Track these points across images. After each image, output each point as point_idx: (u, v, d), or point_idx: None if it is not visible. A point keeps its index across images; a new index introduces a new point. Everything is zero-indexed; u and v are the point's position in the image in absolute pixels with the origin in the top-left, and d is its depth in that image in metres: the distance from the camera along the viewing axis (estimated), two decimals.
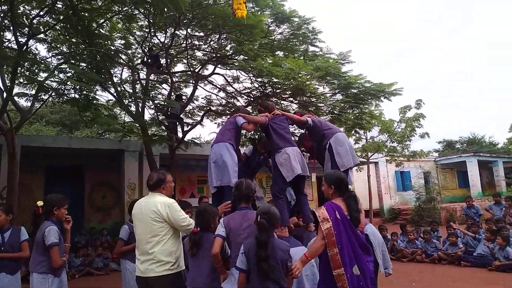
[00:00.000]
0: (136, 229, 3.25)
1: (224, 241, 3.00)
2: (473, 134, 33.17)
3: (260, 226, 2.72)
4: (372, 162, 16.41)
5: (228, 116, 10.51)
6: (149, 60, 9.02)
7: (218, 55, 9.10)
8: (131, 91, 9.79)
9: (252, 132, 8.72)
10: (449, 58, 75.52)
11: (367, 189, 14.10)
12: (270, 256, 2.64)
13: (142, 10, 7.77)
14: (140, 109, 9.17)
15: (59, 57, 8.41)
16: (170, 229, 3.14)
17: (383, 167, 19.10)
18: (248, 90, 10.00)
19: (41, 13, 7.19)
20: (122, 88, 9.58)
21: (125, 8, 7.69)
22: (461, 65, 71.86)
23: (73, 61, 7.96)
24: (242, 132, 5.29)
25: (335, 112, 9.14)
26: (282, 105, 9.87)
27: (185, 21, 7.98)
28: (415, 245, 8.88)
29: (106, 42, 8.52)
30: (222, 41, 8.93)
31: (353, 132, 10.89)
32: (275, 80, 7.91)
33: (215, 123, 11.69)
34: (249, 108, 10.51)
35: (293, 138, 4.76)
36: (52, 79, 7.11)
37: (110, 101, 9.77)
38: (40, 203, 3.57)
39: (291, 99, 9.29)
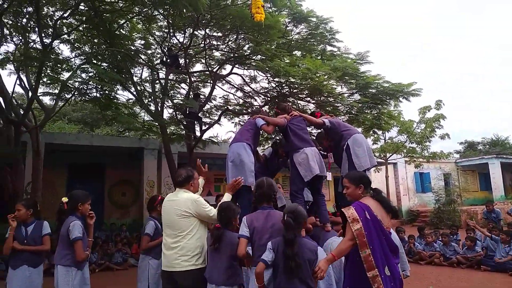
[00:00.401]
0: (164, 225, 3.37)
1: (249, 241, 3.03)
2: (497, 136, 32.27)
3: (287, 225, 2.75)
4: (391, 163, 16.21)
5: (247, 116, 10.65)
6: (168, 60, 9.17)
7: (236, 55, 9.17)
8: (150, 90, 9.97)
9: (274, 134, 8.78)
10: (460, 59, 73.79)
11: (385, 190, 13.94)
12: (297, 255, 2.67)
13: (162, 11, 7.91)
14: (159, 108, 9.34)
15: (82, 57, 8.65)
16: (196, 225, 3.24)
17: (402, 168, 18.82)
18: (265, 90, 10.03)
19: (65, 14, 7.41)
20: (142, 87, 9.77)
21: (145, 9, 7.83)
22: (473, 66, 70.12)
23: (95, 61, 8.18)
24: (261, 133, 5.33)
25: (353, 112, 9.07)
26: (299, 105, 9.86)
27: (203, 22, 8.07)
28: (433, 248, 8.74)
29: (126, 43, 8.71)
30: (240, 41, 9.00)
31: (371, 132, 10.78)
32: (292, 80, 7.92)
33: (232, 122, 11.77)
34: (266, 108, 10.57)
35: (310, 137, 4.80)
36: (74, 78, 7.31)
37: (130, 100, 10.00)
38: (65, 199, 3.68)
39: (308, 99, 9.27)
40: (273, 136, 9.61)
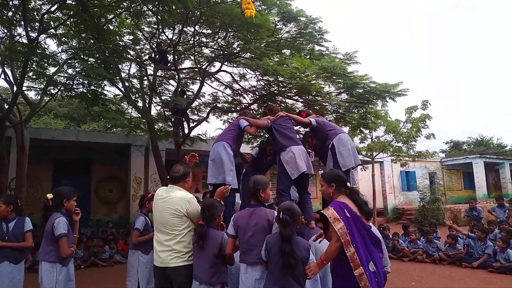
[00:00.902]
0: (156, 221, 3.33)
1: (236, 239, 3.09)
2: (481, 136, 32.92)
3: (284, 222, 2.78)
4: (377, 161, 16.41)
5: (236, 114, 10.69)
6: (157, 56, 9.11)
7: (225, 52, 9.17)
8: (138, 86, 9.91)
9: (262, 133, 8.83)
10: (451, 58, 74.90)
11: (371, 188, 14.10)
12: (294, 251, 2.72)
13: (151, 7, 7.86)
14: (147, 105, 9.29)
15: (69, 52, 8.54)
16: (189, 223, 3.25)
17: (388, 166, 19.10)
18: (254, 88, 10.07)
19: (52, 8, 7.30)
20: (130, 83, 9.70)
21: (134, 5, 7.78)
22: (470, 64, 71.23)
23: (82, 56, 8.09)
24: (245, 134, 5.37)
25: (340, 111, 9.17)
26: (287, 103, 9.93)
27: (193, 19, 8.05)
28: (417, 245, 8.92)
29: (114, 38, 8.63)
30: (229, 38, 9.00)
31: (358, 131, 10.90)
32: (281, 79, 7.96)
33: (221, 119, 11.78)
34: (255, 106, 10.61)
35: (298, 136, 4.87)
36: (61, 74, 7.22)
37: (118, 96, 9.91)
38: (50, 195, 3.67)
39: (297, 97, 9.34)
40: (261, 135, 9.66)
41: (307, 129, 5.15)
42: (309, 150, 4.79)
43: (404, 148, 14.13)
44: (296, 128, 6.46)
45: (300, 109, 8.28)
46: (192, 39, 9.19)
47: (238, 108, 10.78)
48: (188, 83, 11.59)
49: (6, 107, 8.16)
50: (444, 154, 30.14)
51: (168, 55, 9.27)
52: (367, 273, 2.65)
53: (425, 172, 21.18)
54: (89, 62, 8.16)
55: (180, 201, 3.21)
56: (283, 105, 9.97)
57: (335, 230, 2.70)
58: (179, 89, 10.46)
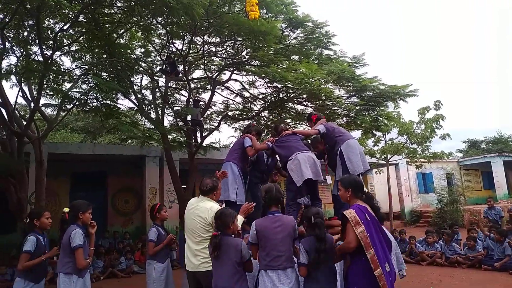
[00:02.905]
0: (187, 228, 3.63)
1: (257, 246, 3.18)
2: (499, 134, 32.09)
3: (318, 225, 3.07)
4: (392, 164, 16.21)
5: (247, 121, 10.78)
6: (168, 68, 9.28)
7: (235, 60, 9.28)
8: (151, 98, 10.08)
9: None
10: (467, 59, 73.64)
11: (387, 192, 13.94)
12: (329, 248, 3.05)
13: (160, 19, 8.03)
14: (160, 116, 9.44)
15: (83, 67, 8.78)
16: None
17: (404, 169, 18.83)
18: (264, 95, 10.14)
19: (65, 26, 7.54)
20: (142, 95, 9.88)
21: (143, 20, 7.96)
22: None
23: (95, 71, 8.30)
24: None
25: (351, 115, 9.15)
26: (297, 109, 9.95)
27: (201, 29, 8.19)
28: (435, 248, 8.76)
29: (126, 52, 8.83)
30: (237, 47, 9.10)
31: (370, 134, 10.83)
32: (289, 85, 8.01)
33: (233, 127, 11.89)
34: (265, 112, 10.67)
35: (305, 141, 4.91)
36: (75, 89, 7.43)
37: (132, 109, 10.11)
38: (66, 209, 3.81)
39: (306, 103, 9.36)
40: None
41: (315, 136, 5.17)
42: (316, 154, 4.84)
43: (419, 149, 13.95)
44: None
45: (310, 112, 8.29)
46: (201, 48, 9.33)
47: (249, 115, 10.86)
48: (200, 92, 11.74)
49: (24, 123, 8.41)
50: (462, 154, 29.53)
51: (178, 66, 9.42)
52: (384, 273, 2.82)
53: (442, 173, 20.74)
54: (102, 77, 8.37)
55: (206, 210, 3.51)
56: (292, 111, 10.00)
57: (354, 232, 2.88)
58: (194, 98, 10.61)
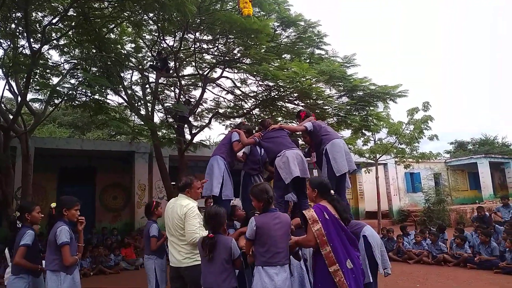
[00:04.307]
0: (167, 225, 3.76)
1: (252, 242, 3.19)
2: (485, 135, 32.69)
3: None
4: (381, 163, 16.36)
5: (238, 119, 10.78)
6: (158, 64, 9.21)
7: (226, 58, 9.25)
8: (141, 94, 9.99)
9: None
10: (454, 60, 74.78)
11: (376, 191, 14.06)
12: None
13: (151, 15, 7.96)
14: (149, 112, 9.37)
15: (71, 61, 8.66)
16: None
17: (392, 168, 19.03)
18: (255, 93, 10.13)
19: (54, 20, 7.42)
20: (132, 91, 9.79)
21: (134, 15, 7.88)
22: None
23: (84, 66, 8.19)
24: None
25: (341, 114, 9.20)
26: (288, 108, 9.97)
27: (193, 26, 8.14)
28: (422, 247, 8.88)
29: (116, 47, 8.74)
30: (229, 44, 9.07)
31: (360, 134, 10.91)
32: (281, 83, 8.02)
33: (223, 125, 11.86)
34: (256, 110, 10.67)
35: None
36: (64, 84, 7.32)
37: (121, 104, 10.02)
38: (53, 204, 3.75)
39: (297, 102, 9.38)
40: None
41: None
42: (305, 152, 4.87)
43: (407, 149, 14.09)
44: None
45: (299, 109, 8.32)
46: (193, 45, 9.28)
47: (240, 112, 10.84)
48: (190, 89, 11.68)
49: (11, 117, 8.27)
50: (449, 155, 29.98)
51: (169, 62, 9.36)
52: (343, 269, 2.93)
53: (430, 173, 21.03)
54: (92, 72, 8.26)
55: (181, 207, 3.63)
56: (283, 109, 10.01)
57: (312, 231, 3.03)
58: (185, 98, 10.55)
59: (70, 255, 3.47)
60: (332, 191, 3.31)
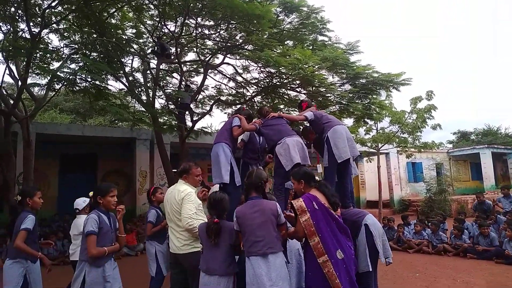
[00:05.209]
0: (167, 212, 3.80)
1: (239, 233, 3.13)
2: (488, 126, 32.50)
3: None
4: (383, 152, 16.30)
5: (239, 105, 10.68)
6: (159, 49, 9.09)
7: (228, 44, 9.13)
8: (142, 80, 9.91)
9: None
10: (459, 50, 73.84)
11: (377, 180, 14.05)
12: None
13: (152, 0, 7.84)
14: (151, 99, 9.31)
15: (72, 46, 8.56)
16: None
17: (394, 158, 18.99)
18: (257, 80, 10.03)
19: (53, 3, 7.32)
20: (133, 77, 9.72)
21: None
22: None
23: (85, 51, 8.10)
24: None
25: (343, 102, 9.11)
26: (290, 95, 9.88)
27: (195, 11, 8.02)
28: (422, 236, 8.88)
29: (117, 32, 8.63)
30: (231, 30, 8.95)
31: (362, 122, 10.83)
32: (283, 70, 7.92)
33: (225, 112, 11.80)
34: (258, 97, 10.58)
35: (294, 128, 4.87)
36: (64, 69, 7.25)
37: (122, 90, 9.95)
38: (91, 193, 3.66)
39: (299, 89, 9.29)
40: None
41: (306, 125, 5.13)
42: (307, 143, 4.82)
43: (410, 139, 14.02)
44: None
45: (302, 99, 8.25)
46: (194, 31, 9.15)
47: (242, 100, 10.76)
48: (192, 76, 11.58)
49: (12, 102, 8.23)
50: (452, 145, 29.88)
51: (170, 48, 9.25)
52: (332, 260, 2.90)
53: (432, 163, 20.99)
54: (92, 57, 8.17)
55: (178, 193, 3.65)
56: (285, 97, 9.92)
57: (300, 221, 3.01)
58: (184, 83, 10.45)
59: (94, 246, 3.19)
60: (317, 178, 3.30)
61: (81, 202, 4.78)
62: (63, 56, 8.13)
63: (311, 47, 8.62)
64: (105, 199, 3.41)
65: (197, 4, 7.54)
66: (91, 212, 3.40)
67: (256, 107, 10.62)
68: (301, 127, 6.05)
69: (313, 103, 5.47)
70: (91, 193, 3.66)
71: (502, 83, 64.38)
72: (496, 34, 73.26)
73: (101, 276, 3.21)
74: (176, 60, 9.53)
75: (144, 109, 9.28)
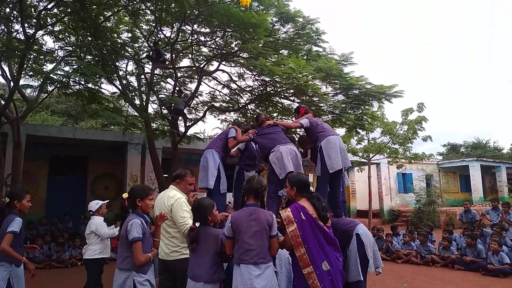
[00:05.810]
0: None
1: (233, 240, 3.03)
2: (478, 139, 33.04)
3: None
4: (374, 163, 16.45)
5: (233, 113, 10.74)
6: (154, 54, 9.11)
7: (223, 51, 9.18)
8: (135, 84, 9.90)
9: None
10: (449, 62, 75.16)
11: (368, 190, 14.15)
12: None
13: (149, 5, 7.86)
14: (144, 103, 9.29)
15: (66, 48, 8.54)
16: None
17: (385, 168, 19.13)
18: (251, 88, 10.09)
19: (49, 5, 7.30)
20: (127, 81, 9.70)
21: (131, 3, 7.78)
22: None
23: (79, 54, 8.08)
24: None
25: (336, 112, 9.20)
26: (284, 104, 9.95)
27: (191, 17, 8.06)
28: (410, 247, 8.95)
29: (112, 35, 8.63)
30: (227, 38, 9.01)
31: (354, 132, 10.93)
32: (277, 79, 7.98)
33: (218, 119, 11.82)
34: (252, 105, 10.63)
35: (290, 136, 4.90)
36: (57, 71, 7.22)
37: (115, 94, 9.92)
38: (125, 195, 3.49)
39: (293, 98, 9.36)
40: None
41: (303, 135, 5.19)
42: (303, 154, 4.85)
43: (400, 150, 14.17)
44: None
45: (298, 105, 8.30)
46: (190, 37, 9.19)
47: (235, 107, 10.80)
48: (186, 82, 11.60)
49: (3, 103, 8.16)
50: (442, 157, 30.25)
51: (165, 54, 9.27)
52: (317, 271, 2.89)
53: (422, 174, 21.23)
54: (86, 60, 8.15)
55: (168, 198, 3.63)
56: (279, 105, 9.98)
57: (287, 232, 2.99)
58: (177, 88, 10.47)
59: (141, 253, 3.10)
60: (311, 188, 3.28)
61: (95, 204, 5.07)
62: (57, 58, 8.10)
63: (305, 57, 8.71)
64: (143, 202, 3.33)
65: (194, 11, 7.58)
66: (132, 216, 3.25)
67: (249, 114, 10.67)
68: (298, 135, 6.09)
69: (310, 110, 5.51)
70: (125, 195, 3.48)
71: (496, 92, 65.49)
72: (492, 39, 74.68)
73: (149, 284, 3.17)
74: (171, 65, 9.55)
75: (137, 113, 9.26)
